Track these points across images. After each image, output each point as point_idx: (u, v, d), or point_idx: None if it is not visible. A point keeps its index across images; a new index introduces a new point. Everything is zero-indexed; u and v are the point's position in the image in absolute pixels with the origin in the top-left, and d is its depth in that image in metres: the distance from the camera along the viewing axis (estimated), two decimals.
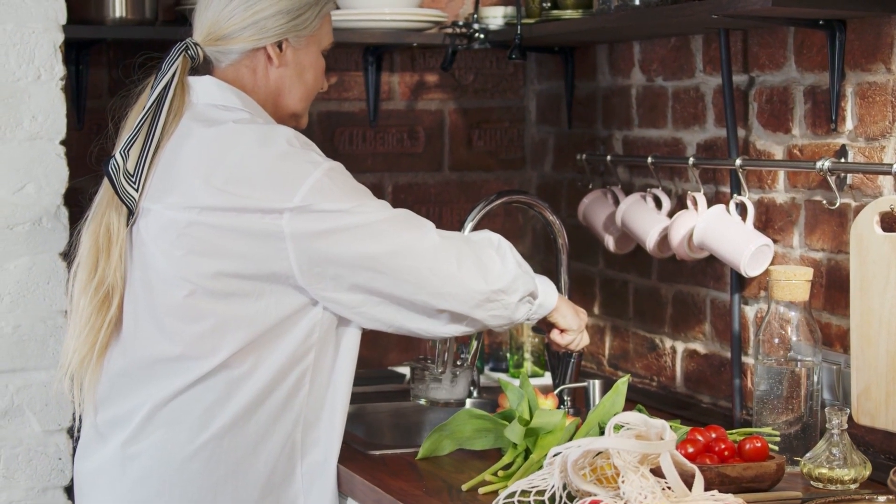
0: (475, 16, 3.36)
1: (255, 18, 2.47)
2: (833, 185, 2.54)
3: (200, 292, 2.35)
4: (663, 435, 2.10)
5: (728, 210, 2.79)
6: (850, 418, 2.38)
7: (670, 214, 3.00)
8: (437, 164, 3.64)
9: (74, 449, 2.61)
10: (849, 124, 2.56)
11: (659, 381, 3.20)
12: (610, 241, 3.19)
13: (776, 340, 2.50)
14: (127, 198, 2.37)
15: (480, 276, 2.43)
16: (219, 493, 2.38)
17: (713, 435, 2.32)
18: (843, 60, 2.54)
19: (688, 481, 2.08)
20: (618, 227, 3.12)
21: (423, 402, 2.86)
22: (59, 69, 2.78)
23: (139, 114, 2.40)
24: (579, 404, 2.91)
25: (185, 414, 2.37)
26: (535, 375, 3.35)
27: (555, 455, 2.14)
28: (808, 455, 2.35)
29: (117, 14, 3.06)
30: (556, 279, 2.89)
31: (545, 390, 2.79)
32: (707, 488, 2.13)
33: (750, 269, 2.72)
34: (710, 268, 3.00)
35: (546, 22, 3.14)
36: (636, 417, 2.15)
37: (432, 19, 3.33)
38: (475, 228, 2.77)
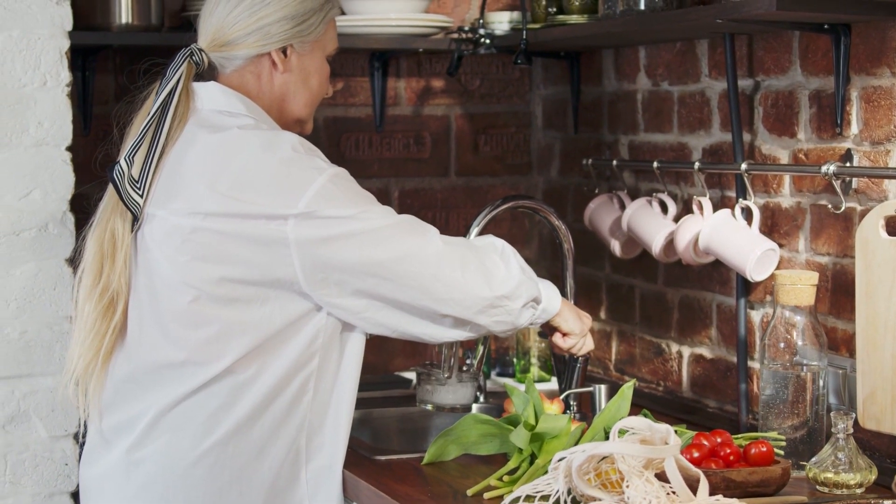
0: (481, 21, 3.36)
1: (260, 24, 2.46)
2: (838, 190, 2.53)
3: (205, 298, 2.35)
4: (668, 439, 2.10)
5: (734, 214, 2.79)
6: (856, 422, 2.38)
7: (676, 219, 2.99)
8: (443, 169, 3.64)
9: (80, 454, 2.61)
10: (854, 128, 2.56)
11: (665, 386, 3.19)
12: (616, 246, 3.19)
13: (782, 345, 2.49)
14: (132, 203, 2.38)
15: (484, 282, 2.42)
16: (223, 498, 2.38)
17: (718, 439, 2.30)
18: (847, 64, 2.54)
19: (692, 486, 2.07)
20: (624, 232, 3.12)
21: (428, 407, 2.86)
22: (65, 75, 2.78)
23: (144, 119, 2.40)
24: (585, 409, 2.91)
25: (189, 419, 2.37)
26: (541, 380, 3.34)
27: (559, 460, 2.14)
28: (813, 459, 2.35)
29: (123, 20, 3.07)
30: (562, 284, 2.89)
31: (551, 395, 2.79)
32: (712, 493, 2.13)
33: (755, 274, 2.71)
34: (716, 272, 3.00)
35: (552, 27, 3.14)
36: (640, 422, 2.15)
37: (438, 24, 3.33)
38: (481, 233, 2.77)
